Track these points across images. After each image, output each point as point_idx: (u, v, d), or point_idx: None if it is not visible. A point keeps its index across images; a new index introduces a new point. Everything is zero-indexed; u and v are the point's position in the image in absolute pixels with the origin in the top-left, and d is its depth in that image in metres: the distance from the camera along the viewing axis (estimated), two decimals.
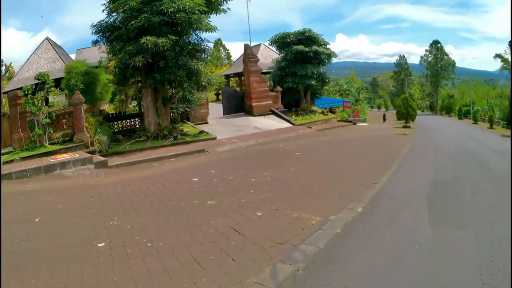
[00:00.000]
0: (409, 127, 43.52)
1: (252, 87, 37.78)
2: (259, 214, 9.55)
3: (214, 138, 26.06)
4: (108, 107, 39.95)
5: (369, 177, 13.72)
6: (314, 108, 43.38)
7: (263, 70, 42.70)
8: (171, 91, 27.11)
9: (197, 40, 26.35)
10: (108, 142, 23.04)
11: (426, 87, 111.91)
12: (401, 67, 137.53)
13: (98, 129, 23.07)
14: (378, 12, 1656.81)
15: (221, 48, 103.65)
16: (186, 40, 25.58)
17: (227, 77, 59.38)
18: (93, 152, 19.95)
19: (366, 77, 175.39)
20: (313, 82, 39.38)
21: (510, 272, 5.71)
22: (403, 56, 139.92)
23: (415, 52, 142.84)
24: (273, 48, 46.42)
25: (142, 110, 27.96)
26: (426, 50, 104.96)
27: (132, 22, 22.17)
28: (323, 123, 38.25)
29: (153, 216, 9.76)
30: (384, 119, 62.50)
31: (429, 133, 37.16)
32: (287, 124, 34.41)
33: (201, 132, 27.53)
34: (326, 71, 42.46)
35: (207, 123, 32.78)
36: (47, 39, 37.42)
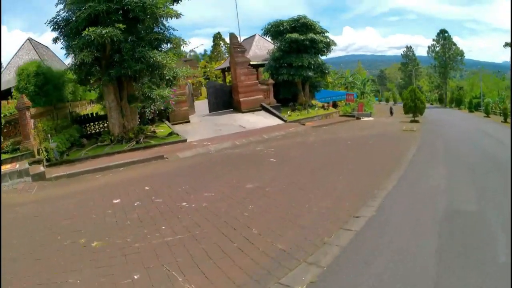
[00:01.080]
0: (417, 121, 39.34)
1: (239, 80, 34.20)
2: (136, 276, 6.47)
3: (184, 141, 23.29)
4: (94, 107, 36.16)
5: (349, 204, 9.93)
6: (314, 102, 40.05)
7: (259, 62, 40.29)
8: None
9: (161, 29, 23.23)
10: (62, 149, 20.28)
11: (435, 79, 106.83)
12: (408, 58, 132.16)
13: (50, 136, 19.98)
14: (384, 5, 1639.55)
15: (221, 42, 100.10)
16: (143, 30, 22.42)
17: (223, 71, 55.05)
18: (39, 162, 17.75)
19: (374, 70, 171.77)
20: (310, 74, 35.86)
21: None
22: (410, 47, 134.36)
23: (423, 44, 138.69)
24: (268, 39, 42.52)
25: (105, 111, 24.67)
26: (433, 40, 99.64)
27: (79, 14, 19.74)
28: (322, 118, 34.84)
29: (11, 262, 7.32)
30: (391, 113, 58.51)
31: (439, 129, 33.24)
32: (278, 121, 30.98)
33: (171, 134, 24.36)
34: (325, 61, 38.93)
35: (189, 122, 29.99)
36: (29, 39, 34.15)
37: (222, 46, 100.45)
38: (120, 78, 21.64)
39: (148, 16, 20.86)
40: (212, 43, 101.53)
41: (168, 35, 23.26)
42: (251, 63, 39.43)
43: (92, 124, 26.12)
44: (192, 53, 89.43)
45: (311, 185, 12.18)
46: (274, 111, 33.24)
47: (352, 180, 12.56)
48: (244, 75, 34.36)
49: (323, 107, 39.21)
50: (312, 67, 35.93)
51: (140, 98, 22.73)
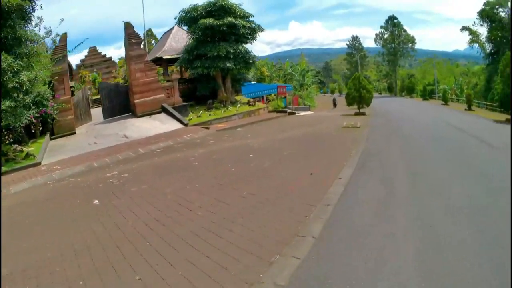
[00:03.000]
0: (363, 114, 33.34)
1: (134, 78, 26.88)
2: None
3: (38, 164, 17.24)
4: None
5: None
6: (239, 98, 34.53)
7: (173, 56, 34.32)
8: None
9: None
10: None
11: (383, 68, 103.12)
12: (354, 48, 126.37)
13: None
14: None
15: (152, 39, 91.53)
16: None
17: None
18: None
19: (320, 63, 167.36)
20: (229, 65, 29.93)
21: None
22: (357, 37, 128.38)
23: (370, 36, 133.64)
24: (186, 28, 35.75)
25: None
26: (381, 27, 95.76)
27: None
28: (244, 116, 29.47)
29: None
30: (335, 105, 53.82)
31: (392, 124, 27.12)
32: (177, 126, 24.57)
33: (27, 155, 18.05)
34: (249, 49, 32.75)
35: (75, 133, 23.73)
36: None
37: (154, 44, 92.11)
38: None
39: None
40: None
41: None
42: (165, 57, 34.36)
43: None
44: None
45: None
46: (175, 113, 26.28)
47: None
48: (140, 72, 27.03)
49: (248, 103, 33.09)
50: (232, 56, 30.03)
51: None
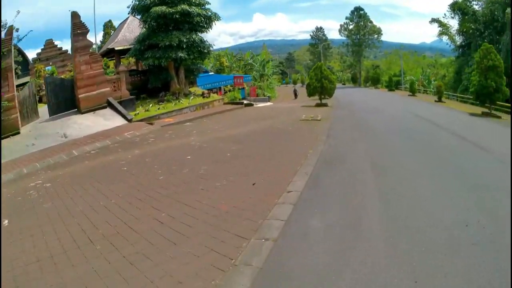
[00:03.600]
0: (325, 105, 31.89)
1: (79, 71, 24.79)
2: None
3: None
4: None
5: None
6: (193, 89, 32.98)
7: (125, 47, 32.72)
8: None
9: None
10: None
11: (347, 59, 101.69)
12: (318, 39, 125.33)
13: None
14: None
15: (111, 31, 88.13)
16: None
17: None
18: None
19: (284, 54, 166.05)
20: (182, 55, 28.55)
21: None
22: (321, 28, 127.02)
23: (335, 28, 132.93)
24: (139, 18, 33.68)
25: None
26: (346, 18, 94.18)
27: None
28: (197, 109, 28.32)
29: None
30: (296, 96, 51.92)
31: (356, 116, 25.88)
32: (120, 122, 22.92)
33: None
34: (203, 38, 31.24)
35: (19, 133, 21.40)
36: None
37: None
38: None
39: None
40: (103, 33, 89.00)
41: None
42: (117, 48, 33.01)
43: None
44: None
45: None
46: (120, 108, 24.45)
47: None
48: (86, 64, 24.95)
49: (202, 95, 31.59)
50: (185, 46, 28.52)
51: None
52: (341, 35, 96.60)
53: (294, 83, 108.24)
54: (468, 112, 28.93)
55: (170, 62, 28.98)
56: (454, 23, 57.21)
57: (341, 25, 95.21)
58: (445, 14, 59.45)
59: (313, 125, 19.19)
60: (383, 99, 44.23)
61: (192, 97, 30.14)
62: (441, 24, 60.17)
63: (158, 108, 26.41)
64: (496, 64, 25.40)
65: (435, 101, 39.59)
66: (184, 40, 28.19)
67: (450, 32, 58.72)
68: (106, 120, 22.46)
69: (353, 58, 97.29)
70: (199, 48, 29.98)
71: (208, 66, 56.38)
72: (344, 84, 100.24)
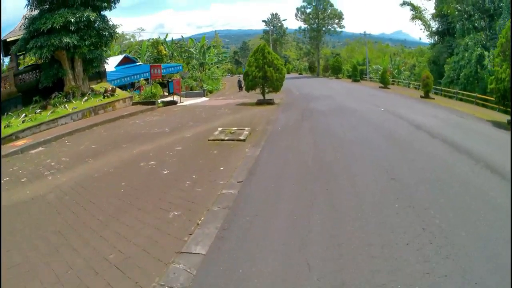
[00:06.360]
0: (269, 102, 24.73)
1: None
2: None
3: None
4: None
5: None
6: (100, 86, 25.48)
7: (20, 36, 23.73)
8: None
9: None
10: None
11: (304, 47, 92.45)
12: (273, 25, 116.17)
13: None
14: None
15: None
16: None
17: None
18: None
19: (240, 44, 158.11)
20: (68, 40, 20.59)
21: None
22: (276, 14, 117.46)
23: (293, 20, 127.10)
24: None
25: None
26: (303, 1, 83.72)
27: None
28: (86, 115, 21.05)
29: None
30: (240, 88, 44.11)
31: (315, 125, 16.61)
32: None
33: None
34: (106, 17, 23.90)
35: None
36: None
37: None
38: None
39: None
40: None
41: None
42: (9, 39, 24.56)
43: None
44: None
45: None
46: None
47: None
48: None
49: (105, 93, 23.70)
50: (74, 28, 20.72)
51: None
52: (298, 19, 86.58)
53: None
54: (486, 119, 19.12)
55: (60, 52, 21.27)
56: (429, 6, 51.06)
57: (297, 9, 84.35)
58: None
59: (222, 155, 11.11)
60: (350, 93, 33.45)
61: (86, 98, 22.34)
62: (414, 7, 53.46)
63: (23, 121, 18.28)
64: None
65: (421, 96, 30.10)
66: (72, 20, 20.29)
67: (424, 16, 52.20)
68: None
69: (310, 45, 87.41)
70: (98, 31, 22.31)
71: (143, 55, 49.03)
72: (300, 73, 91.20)
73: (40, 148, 14.82)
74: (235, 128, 14.25)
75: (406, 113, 18.63)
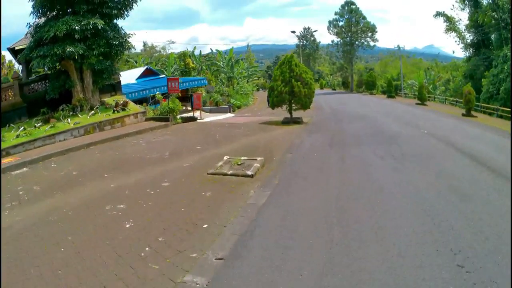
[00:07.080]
0: (297, 121, 21.99)
1: None
2: None
3: None
4: None
5: None
6: (110, 100, 23.33)
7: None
8: None
9: None
10: None
11: (337, 62, 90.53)
12: (306, 40, 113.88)
13: None
14: None
15: None
16: None
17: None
18: None
19: (274, 59, 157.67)
20: (71, 49, 18.97)
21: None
22: (308, 28, 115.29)
23: (326, 34, 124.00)
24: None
25: None
26: (335, 14, 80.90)
27: None
28: (89, 131, 19.20)
29: None
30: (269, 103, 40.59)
31: (352, 155, 12.95)
32: None
33: None
34: (118, 25, 22.34)
35: None
36: None
37: None
38: None
39: None
40: None
41: None
42: (17, 48, 23.63)
43: None
44: None
45: None
46: None
47: None
48: None
49: (115, 107, 21.88)
50: (79, 36, 19.13)
51: None
52: (330, 33, 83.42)
53: None
54: None
55: (68, 62, 19.70)
56: (463, 16, 47.96)
57: (329, 22, 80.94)
58: (453, 6, 49.60)
59: (216, 201, 8.26)
60: (388, 111, 29.80)
61: (93, 112, 20.56)
62: (447, 18, 50.18)
63: (18, 136, 16.74)
64: None
65: (463, 115, 26.60)
66: (77, 28, 18.67)
67: (458, 27, 48.77)
68: None
69: (343, 60, 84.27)
70: (107, 39, 20.39)
71: (170, 68, 47.46)
72: (334, 89, 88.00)
73: (24, 169, 13.00)
74: (245, 158, 11.54)
75: (458, 140, 14.93)
